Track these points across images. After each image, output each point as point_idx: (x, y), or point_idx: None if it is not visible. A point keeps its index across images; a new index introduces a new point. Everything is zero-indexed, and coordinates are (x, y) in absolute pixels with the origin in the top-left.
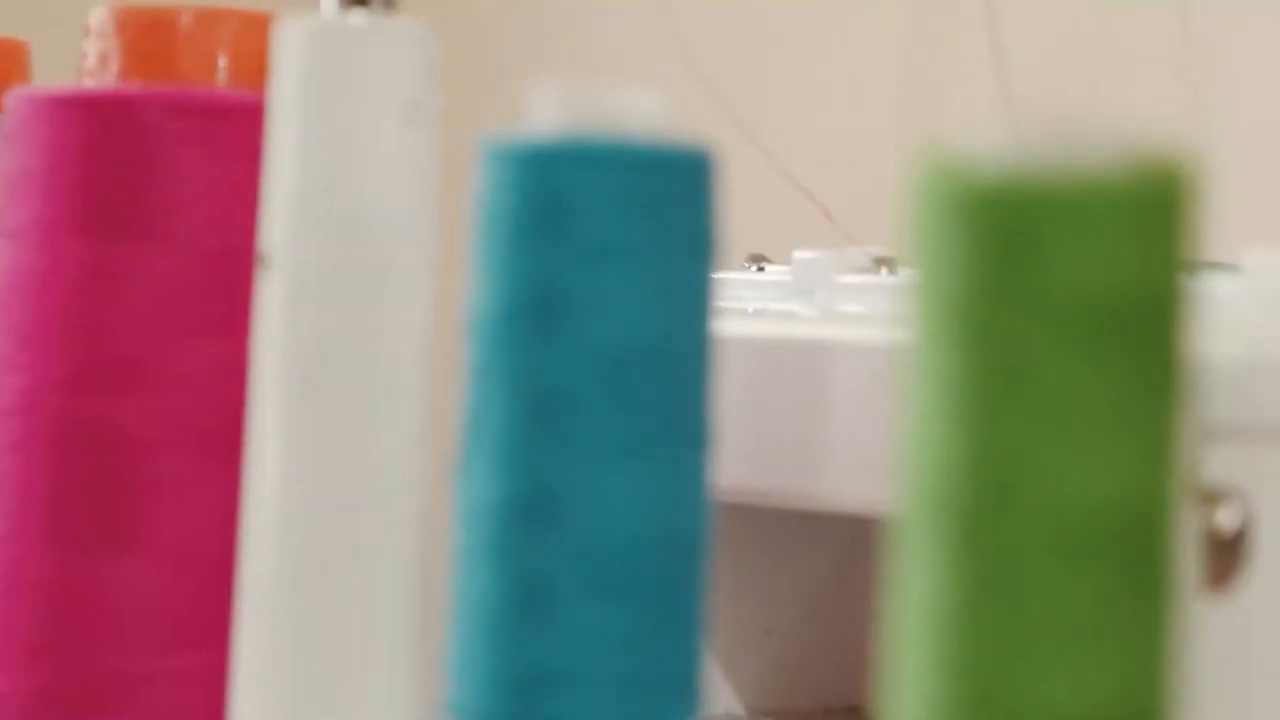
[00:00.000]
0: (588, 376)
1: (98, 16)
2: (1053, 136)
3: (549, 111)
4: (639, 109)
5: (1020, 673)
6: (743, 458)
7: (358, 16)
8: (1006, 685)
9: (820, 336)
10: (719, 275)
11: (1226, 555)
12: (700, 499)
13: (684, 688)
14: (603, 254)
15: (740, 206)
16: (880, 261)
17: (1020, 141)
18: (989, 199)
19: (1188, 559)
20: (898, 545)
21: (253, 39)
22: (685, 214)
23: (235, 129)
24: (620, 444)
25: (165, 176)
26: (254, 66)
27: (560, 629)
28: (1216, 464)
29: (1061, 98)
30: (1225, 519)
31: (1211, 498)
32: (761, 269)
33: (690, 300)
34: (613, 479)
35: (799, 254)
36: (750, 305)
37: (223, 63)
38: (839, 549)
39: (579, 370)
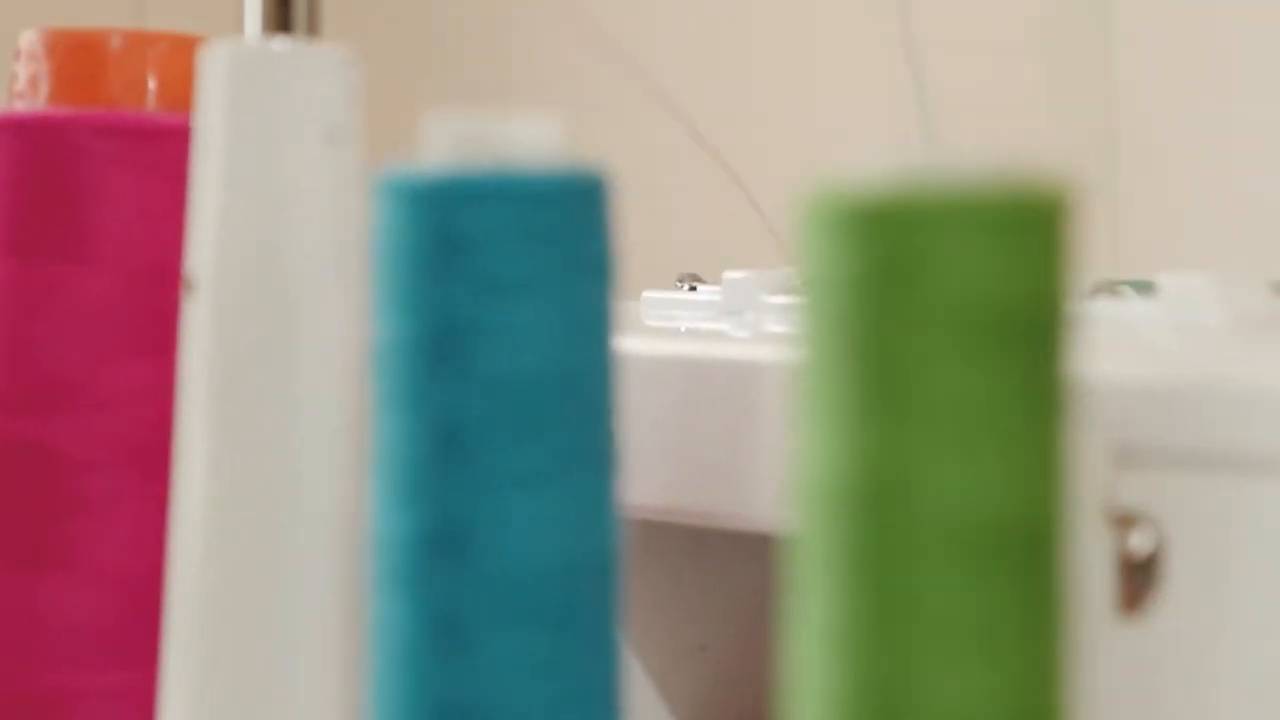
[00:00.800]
0: (490, 407)
1: (28, 39)
2: (940, 163)
3: (442, 144)
4: (532, 136)
5: (915, 680)
6: (674, 477)
7: (281, 42)
8: (901, 692)
9: (748, 356)
10: (649, 294)
11: (1139, 579)
12: (608, 522)
13: (604, 711)
14: (499, 285)
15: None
16: None
17: (908, 165)
18: (871, 213)
19: (1100, 582)
20: (791, 554)
21: (182, 62)
22: (581, 241)
23: (164, 151)
24: (526, 473)
25: (95, 198)
26: (183, 89)
27: (475, 659)
28: (1129, 488)
29: (977, 133)
30: (1138, 543)
31: (1125, 521)
32: (694, 289)
33: (589, 324)
34: (520, 508)
35: (729, 274)
36: (682, 325)
37: (152, 85)
38: (770, 565)
39: (481, 401)
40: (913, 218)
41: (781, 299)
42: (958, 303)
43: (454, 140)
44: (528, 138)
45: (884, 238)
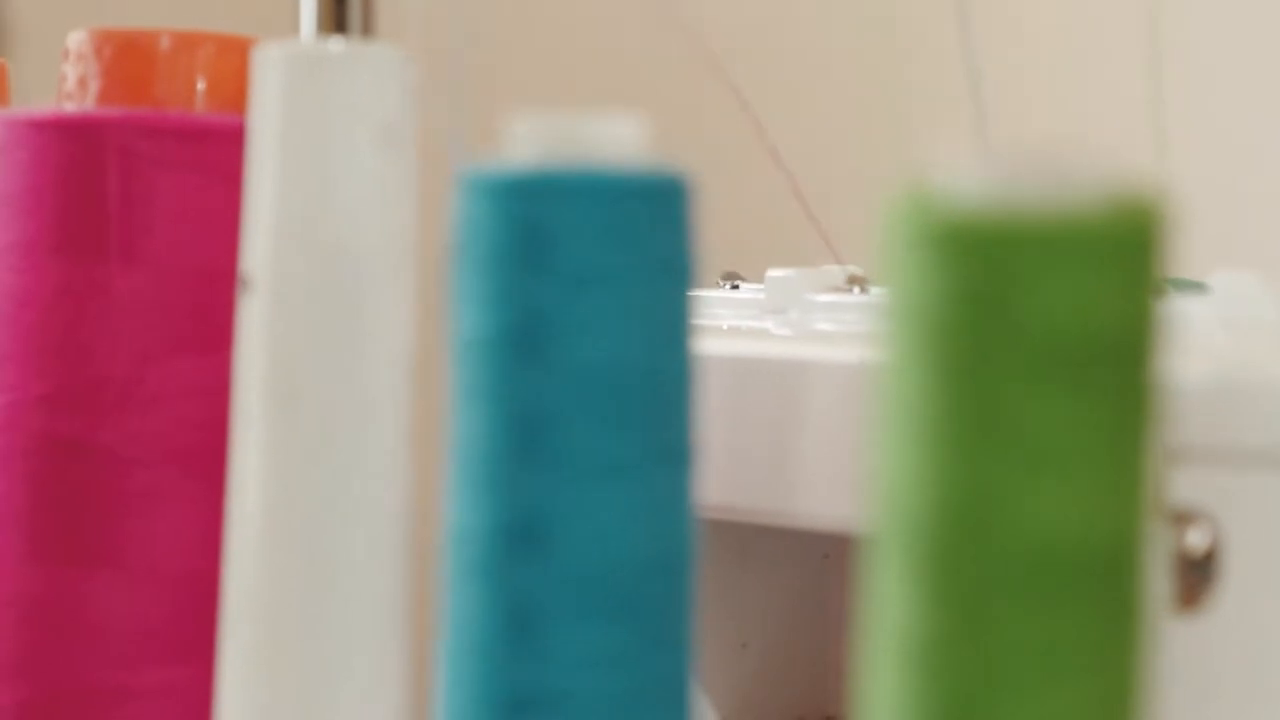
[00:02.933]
0: (571, 400)
1: (77, 39)
2: (1031, 173)
3: (527, 141)
4: (615, 136)
5: (991, 704)
6: (717, 474)
7: (336, 43)
8: (977, 716)
9: (793, 354)
10: (696, 294)
11: (1196, 575)
12: (686, 517)
13: (675, 706)
14: (581, 281)
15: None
16: (853, 280)
17: (999, 177)
18: (970, 233)
19: (1159, 580)
20: (870, 570)
21: (230, 63)
22: (661, 239)
23: (212, 152)
24: (605, 466)
25: (142, 199)
26: (232, 90)
27: (550, 651)
28: (1185, 486)
29: (1037, 136)
30: (1195, 540)
31: (1181, 519)
32: (736, 286)
33: (669, 322)
34: (599, 501)
35: (772, 272)
36: (725, 323)
37: (200, 86)
38: (813, 564)
39: (562, 394)
40: (1010, 240)
41: (826, 297)
42: (1051, 328)
43: (539, 138)
44: (612, 136)
45: (980, 259)
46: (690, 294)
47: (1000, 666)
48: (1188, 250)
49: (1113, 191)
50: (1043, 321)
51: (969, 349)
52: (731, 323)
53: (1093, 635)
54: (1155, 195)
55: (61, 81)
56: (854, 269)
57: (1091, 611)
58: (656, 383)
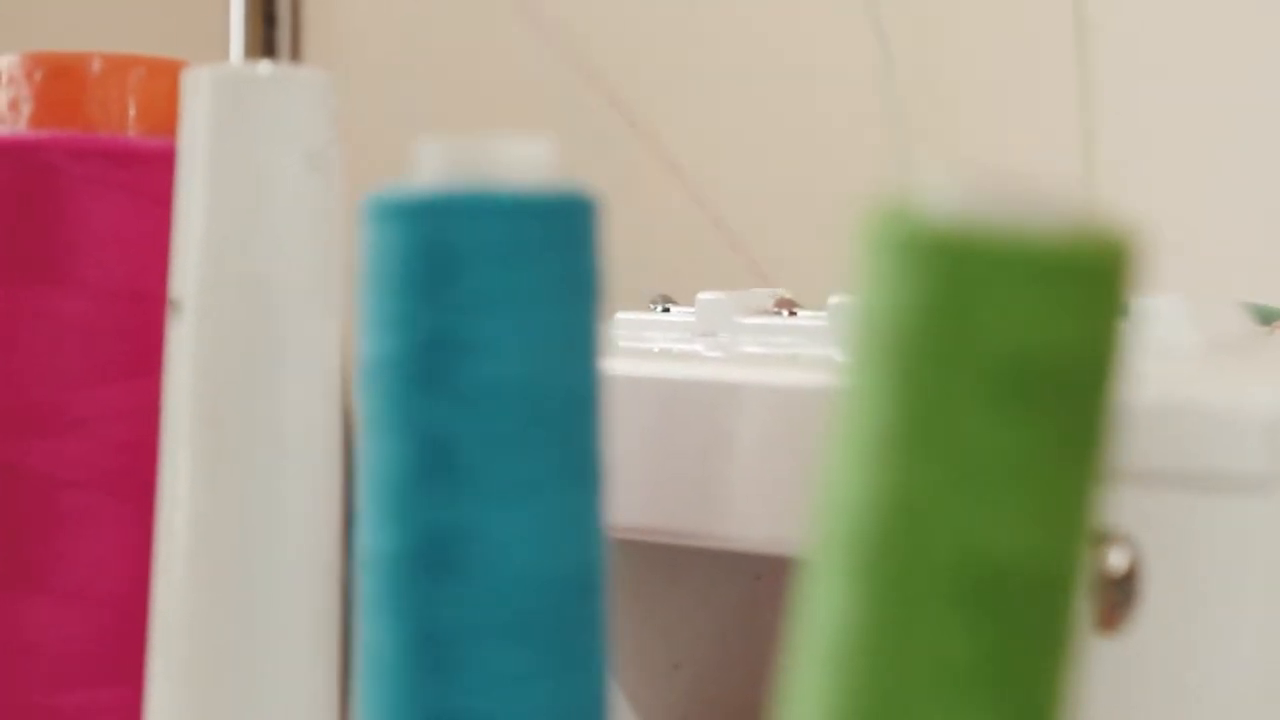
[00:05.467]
0: (478, 422)
1: (8, 62)
2: (1002, 196)
3: (432, 164)
4: (520, 158)
5: (909, 716)
6: (647, 496)
7: (264, 66)
8: None
9: (722, 377)
10: (622, 316)
11: (1117, 596)
12: (596, 536)
13: None
14: (486, 301)
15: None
16: (781, 303)
17: (970, 197)
18: (933, 244)
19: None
20: (807, 579)
21: (162, 86)
22: (569, 259)
23: (143, 174)
24: (513, 487)
25: (73, 221)
26: (163, 113)
27: (462, 673)
28: (1107, 507)
29: (963, 161)
30: (1116, 561)
31: (1102, 540)
32: (667, 310)
33: (576, 341)
34: (508, 522)
35: (702, 295)
36: (655, 345)
37: (132, 109)
38: (745, 585)
39: (469, 416)
40: (972, 255)
41: (755, 319)
42: (1005, 346)
43: (444, 161)
44: (517, 159)
45: (940, 270)
46: (599, 313)
47: (924, 680)
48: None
49: (1081, 220)
50: (997, 339)
51: (921, 359)
52: (662, 345)
53: (1017, 656)
54: (1124, 227)
55: None
56: (783, 292)
57: (1017, 632)
58: (563, 402)
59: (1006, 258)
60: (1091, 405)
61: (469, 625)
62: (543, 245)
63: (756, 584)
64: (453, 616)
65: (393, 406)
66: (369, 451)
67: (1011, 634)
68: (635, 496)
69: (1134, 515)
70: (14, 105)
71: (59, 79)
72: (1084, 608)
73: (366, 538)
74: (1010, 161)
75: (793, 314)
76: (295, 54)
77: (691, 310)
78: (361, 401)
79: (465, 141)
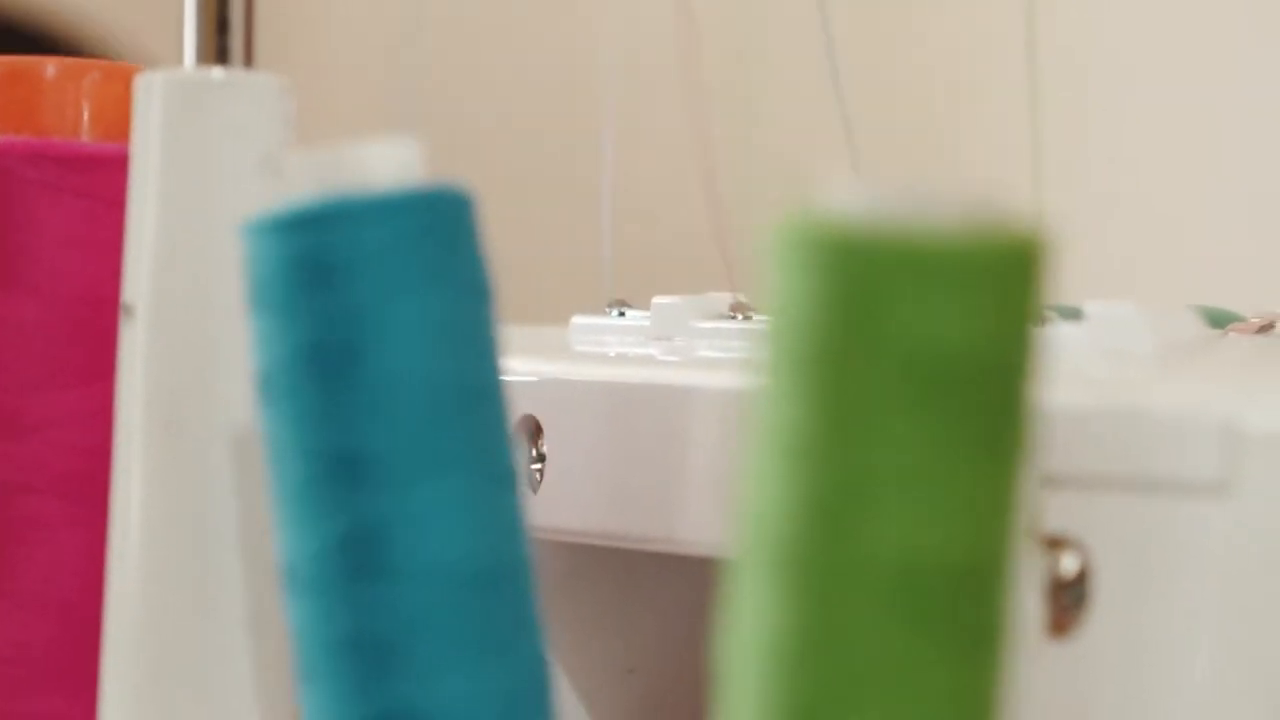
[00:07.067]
0: (376, 422)
1: None
2: (912, 198)
3: (303, 178)
4: (390, 162)
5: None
6: (602, 500)
7: (217, 71)
8: None
9: (676, 380)
10: (579, 320)
11: (1068, 600)
12: (511, 527)
13: (527, 715)
14: (370, 304)
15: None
16: (737, 307)
17: (880, 199)
18: (843, 245)
19: (1030, 605)
20: (731, 585)
21: (116, 90)
22: (446, 254)
23: (98, 179)
24: (419, 483)
25: (27, 226)
26: (117, 118)
27: (391, 672)
28: (1056, 511)
29: (911, 168)
30: (1066, 565)
31: (1052, 544)
32: (622, 314)
33: (469, 336)
34: (416, 518)
35: (658, 299)
36: (611, 349)
37: (86, 114)
38: (699, 589)
39: (366, 418)
40: (881, 255)
41: (710, 324)
42: (918, 346)
43: (313, 171)
44: (384, 162)
45: (851, 271)
46: (488, 306)
47: (849, 683)
48: (1065, 278)
49: (992, 219)
50: (909, 338)
51: (835, 362)
52: (618, 349)
53: (946, 658)
54: (1035, 225)
55: None
56: (740, 296)
57: (939, 632)
58: (461, 395)
59: (914, 257)
60: (1006, 401)
61: (393, 622)
62: (417, 242)
63: (710, 588)
64: (375, 615)
65: (291, 419)
66: (275, 466)
67: (941, 634)
68: (589, 500)
69: (1085, 519)
70: None
71: (12, 84)
72: (1017, 605)
73: (282, 544)
74: (961, 170)
75: (748, 318)
76: (248, 59)
77: (647, 314)
78: (261, 417)
79: (328, 150)
